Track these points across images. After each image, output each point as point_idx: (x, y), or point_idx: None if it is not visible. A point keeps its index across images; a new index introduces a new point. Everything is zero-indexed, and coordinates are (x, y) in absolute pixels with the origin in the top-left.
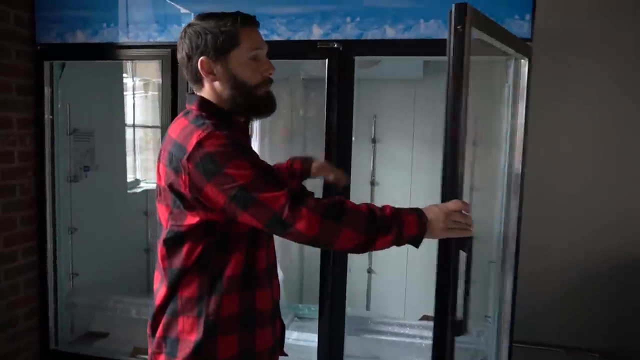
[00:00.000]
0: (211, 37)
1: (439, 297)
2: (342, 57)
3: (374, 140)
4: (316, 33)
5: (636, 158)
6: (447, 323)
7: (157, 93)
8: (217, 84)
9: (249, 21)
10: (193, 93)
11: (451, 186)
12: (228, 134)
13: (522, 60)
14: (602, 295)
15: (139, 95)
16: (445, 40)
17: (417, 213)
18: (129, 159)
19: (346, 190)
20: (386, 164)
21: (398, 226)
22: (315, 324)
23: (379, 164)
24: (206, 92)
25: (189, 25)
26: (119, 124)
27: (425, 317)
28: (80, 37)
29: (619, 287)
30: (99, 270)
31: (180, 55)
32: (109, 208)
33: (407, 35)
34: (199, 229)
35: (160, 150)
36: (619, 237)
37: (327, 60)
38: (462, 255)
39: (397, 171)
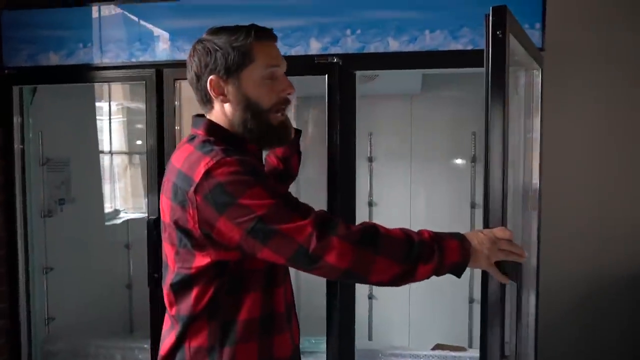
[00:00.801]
0: (221, 54)
1: (485, 332)
2: (342, 72)
3: (370, 159)
4: (314, 47)
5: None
6: None
7: (125, 118)
8: (227, 106)
9: (265, 35)
10: (200, 115)
11: (495, 210)
12: (240, 159)
13: (534, 71)
14: (612, 309)
15: (115, 120)
16: (453, 51)
17: (459, 238)
18: (107, 188)
19: (351, 211)
20: (383, 184)
21: (439, 253)
22: (317, 358)
23: (375, 183)
24: (216, 115)
25: (199, 41)
26: (94, 151)
27: (438, 346)
28: (54, 59)
29: (628, 301)
30: (78, 312)
31: (190, 74)
32: (87, 243)
33: (411, 48)
34: (210, 270)
35: (163, 182)
36: (623, 252)
37: (326, 76)
38: (511, 284)
39: (395, 191)
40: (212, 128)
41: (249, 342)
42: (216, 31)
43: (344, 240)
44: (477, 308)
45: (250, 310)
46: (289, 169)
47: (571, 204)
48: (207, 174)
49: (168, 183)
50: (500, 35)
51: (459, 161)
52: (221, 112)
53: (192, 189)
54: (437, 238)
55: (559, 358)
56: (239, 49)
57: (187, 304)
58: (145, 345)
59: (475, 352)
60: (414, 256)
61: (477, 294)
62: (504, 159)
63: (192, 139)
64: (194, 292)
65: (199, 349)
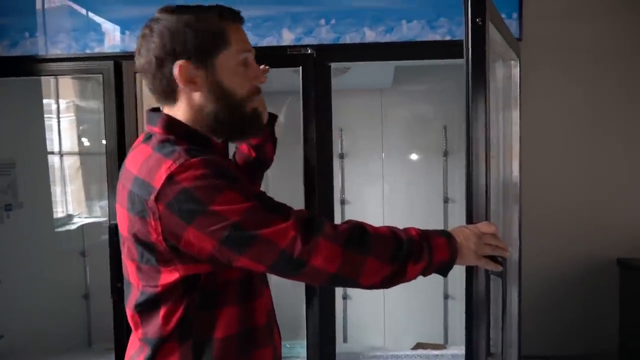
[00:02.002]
0: (192, 36)
1: (470, 330)
2: (316, 64)
3: (341, 156)
4: (287, 38)
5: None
6: None
7: (75, 117)
8: (197, 95)
9: (237, 17)
10: (155, 110)
11: (479, 204)
12: (207, 160)
13: (512, 62)
14: (580, 300)
15: (65, 118)
16: (431, 42)
17: (446, 235)
18: (58, 192)
19: (329, 209)
20: (356, 180)
21: (429, 251)
22: None
23: (348, 180)
24: (180, 107)
25: (155, 20)
26: (42, 152)
27: (419, 345)
28: None
29: (596, 289)
30: (30, 327)
31: (145, 59)
32: (38, 251)
33: (388, 38)
34: (177, 287)
35: (117, 189)
36: (595, 240)
37: (300, 68)
38: (496, 280)
39: (368, 187)
40: (171, 124)
41: None
42: (178, 10)
43: (331, 241)
44: (452, 304)
45: (226, 327)
46: (262, 157)
47: (549, 196)
48: (170, 179)
49: (123, 191)
50: (480, 23)
51: (430, 156)
52: (186, 104)
53: (153, 196)
54: (425, 236)
55: (539, 350)
56: (212, 30)
57: (154, 325)
58: None
59: (455, 350)
60: (403, 255)
61: (453, 290)
62: (486, 151)
63: (148, 138)
64: (162, 312)
65: None
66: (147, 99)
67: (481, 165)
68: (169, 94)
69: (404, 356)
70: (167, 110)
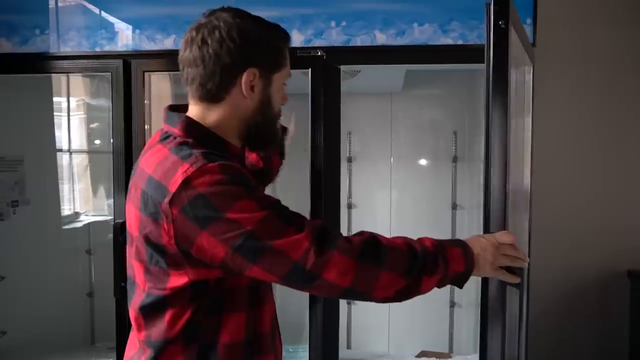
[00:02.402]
0: (267, 49)
1: (485, 341)
2: (326, 67)
3: (349, 159)
4: (296, 39)
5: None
6: None
7: (85, 115)
8: (246, 102)
9: (289, 40)
10: (174, 109)
11: (497, 212)
12: (224, 165)
13: (526, 67)
14: (588, 312)
15: (75, 116)
16: (443, 46)
17: (462, 246)
18: (65, 189)
19: (335, 215)
20: (363, 185)
21: (444, 263)
22: None
23: (355, 184)
24: (221, 108)
25: (223, 19)
26: (51, 150)
27: (423, 354)
28: (6, 47)
29: (606, 301)
30: (33, 324)
31: (205, 53)
32: (44, 249)
33: (399, 41)
34: (187, 290)
35: (130, 187)
36: (605, 251)
37: (310, 70)
38: (512, 291)
39: (375, 192)
40: (191, 127)
41: None
42: (248, 17)
43: (345, 255)
44: (458, 313)
45: (233, 333)
46: (267, 169)
47: (560, 205)
48: (186, 183)
49: (136, 190)
50: (503, 26)
51: (440, 161)
52: (230, 107)
53: (167, 200)
54: (440, 247)
55: (544, 357)
56: (279, 49)
57: (159, 328)
58: (110, 359)
59: (460, 359)
60: (418, 269)
61: (459, 298)
62: (506, 158)
63: (165, 138)
64: (168, 316)
65: None
66: (156, 98)
67: (500, 172)
68: (217, 93)
69: None
70: (196, 108)
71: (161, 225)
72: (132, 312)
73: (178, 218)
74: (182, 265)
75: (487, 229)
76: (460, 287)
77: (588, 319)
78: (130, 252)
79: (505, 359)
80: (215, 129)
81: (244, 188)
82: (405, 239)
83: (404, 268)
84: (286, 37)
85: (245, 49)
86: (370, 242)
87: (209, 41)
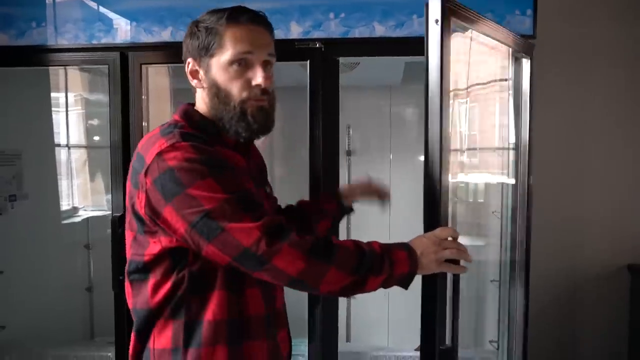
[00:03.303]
0: (197, 37)
1: (425, 323)
2: (325, 59)
3: (348, 153)
4: (294, 31)
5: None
6: (435, 352)
7: (84, 110)
8: (202, 92)
9: (240, 18)
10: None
11: (434, 207)
12: (196, 146)
13: (523, 59)
14: (589, 306)
15: (73, 111)
16: None
17: (406, 249)
18: (64, 184)
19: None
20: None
21: (390, 264)
22: None
23: (354, 178)
24: (197, 101)
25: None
26: (50, 144)
27: None
28: (2, 40)
29: (606, 295)
30: (32, 318)
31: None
32: (42, 243)
33: (398, 33)
34: (165, 259)
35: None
36: (605, 246)
37: (308, 62)
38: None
39: None
40: (187, 113)
41: (215, 345)
42: (205, 13)
43: (295, 248)
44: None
45: (215, 311)
46: (306, 223)
47: (559, 200)
48: (159, 155)
49: (131, 167)
50: (439, 24)
51: None
52: (200, 99)
53: (143, 170)
54: (387, 250)
55: (544, 352)
56: (210, 31)
57: (143, 296)
58: (110, 354)
59: (460, 352)
60: (364, 268)
61: None
62: (441, 151)
63: (165, 123)
64: (150, 283)
65: (163, 352)
66: (154, 93)
67: (435, 166)
68: (192, 87)
69: (408, 357)
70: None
71: (138, 194)
72: (127, 283)
73: (150, 188)
74: (156, 234)
75: (427, 226)
76: (406, 288)
77: (588, 312)
78: (126, 223)
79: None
80: (212, 118)
81: (211, 169)
82: (355, 241)
83: (351, 267)
84: (230, 16)
85: (185, 42)
86: (321, 240)
87: None
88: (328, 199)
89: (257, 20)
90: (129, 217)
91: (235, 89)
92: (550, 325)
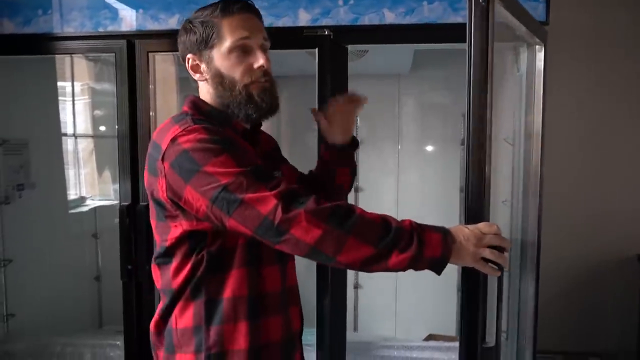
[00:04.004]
0: (193, 32)
1: (466, 320)
2: (333, 46)
3: None
4: (303, 18)
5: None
6: (477, 352)
7: (90, 99)
8: (205, 84)
9: (233, 8)
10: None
11: (477, 200)
12: (210, 128)
13: (536, 46)
14: (600, 296)
15: (80, 101)
16: (453, 24)
17: (443, 232)
18: (71, 174)
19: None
20: (370, 168)
21: (419, 244)
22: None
23: (362, 167)
24: (201, 94)
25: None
26: (56, 133)
27: (431, 337)
28: (9, 27)
29: (616, 286)
30: (41, 307)
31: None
32: (50, 232)
33: (408, 20)
34: (185, 242)
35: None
36: (615, 236)
37: (316, 50)
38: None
39: (382, 175)
40: (196, 103)
41: (237, 322)
42: (196, 11)
43: (312, 215)
44: None
45: (235, 289)
46: (328, 181)
47: (569, 190)
48: (173, 140)
49: (147, 155)
50: (484, 3)
51: (448, 144)
52: (205, 91)
53: (160, 156)
54: (419, 229)
55: (558, 346)
56: (206, 24)
57: (166, 277)
58: (118, 342)
59: None
60: (388, 242)
61: None
62: (484, 142)
63: (175, 114)
64: (173, 266)
65: (185, 331)
66: (160, 82)
67: (479, 156)
68: (194, 82)
69: (416, 347)
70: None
71: (158, 181)
72: (153, 266)
73: (168, 172)
74: (177, 217)
75: (468, 216)
76: (438, 273)
77: (598, 303)
78: (150, 214)
79: (486, 337)
80: (219, 107)
81: (222, 146)
82: (384, 215)
83: (374, 238)
84: (223, 8)
85: (181, 40)
86: (342, 208)
87: None
88: (324, 151)
89: (248, 8)
90: (151, 205)
91: (238, 74)
92: (560, 316)
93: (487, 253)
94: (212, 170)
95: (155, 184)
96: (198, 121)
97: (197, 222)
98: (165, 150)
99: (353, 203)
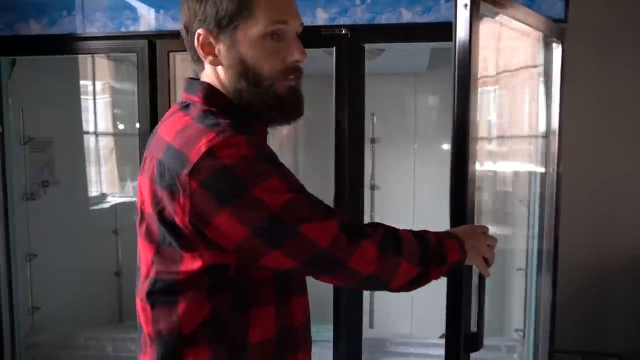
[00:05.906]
0: (213, 2)
1: (450, 308)
2: (350, 45)
3: (372, 140)
4: (320, 18)
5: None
6: (459, 337)
7: (111, 98)
8: (219, 69)
9: None
10: (194, 79)
11: (460, 197)
12: (253, 140)
13: (553, 44)
14: (617, 296)
15: (101, 99)
16: None
17: (455, 237)
18: (92, 171)
19: (357, 197)
20: (386, 166)
21: (447, 253)
22: (321, 348)
23: (378, 166)
24: (209, 78)
25: None
26: (79, 132)
27: None
28: (35, 28)
29: (635, 286)
30: (64, 301)
31: (181, 25)
32: (73, 228)
33: (425, 19)
34: (204, 276)
35: (144, 158)
36: (634, 236)
37: (334, 49)
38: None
39: (398, 173)
40: (212, 95)
41: None
42: None
43: (372, 244)
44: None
45: (263, 330)
46: None
47: (588, 189)
48: (210, 153)
49: (151, 161)
50: (468, 9)
51: None
52: (214, 77)
53: (187, 171)
54: (440, 238)
55: (577, 345)
56: None
57: (171, 321)
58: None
59: (486, 339)
60: (428, 258)
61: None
62: (466, 141)
63: (185, 107)
64: (181, 307)
65: None
66: (181, 79)
67: (462, 154)
68: (197, 61)
69: (431, 344)
70: (201, 77)
71: (176, 200)
72: (139, 302)
73: (196, 192)
74: (196, 247)
75: (452, 213)
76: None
77: (615, 302)
78: (140, 231)
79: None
80: (236, 102)
81: (272, 167)
82: (413, 231)
83: (418, 258)
84: None
85: (191, 6)
86: (390, 232)
87: (180, 15)
88: None
89: None
90: (148, 222)
91: (268, 68)
92: (577, 315)
93: (488, 253)
94: (261, 196)
95: (168, 202)
96: (236, 128)
97: (222, 254)
98: (196, 163)
99: (370, 203)
